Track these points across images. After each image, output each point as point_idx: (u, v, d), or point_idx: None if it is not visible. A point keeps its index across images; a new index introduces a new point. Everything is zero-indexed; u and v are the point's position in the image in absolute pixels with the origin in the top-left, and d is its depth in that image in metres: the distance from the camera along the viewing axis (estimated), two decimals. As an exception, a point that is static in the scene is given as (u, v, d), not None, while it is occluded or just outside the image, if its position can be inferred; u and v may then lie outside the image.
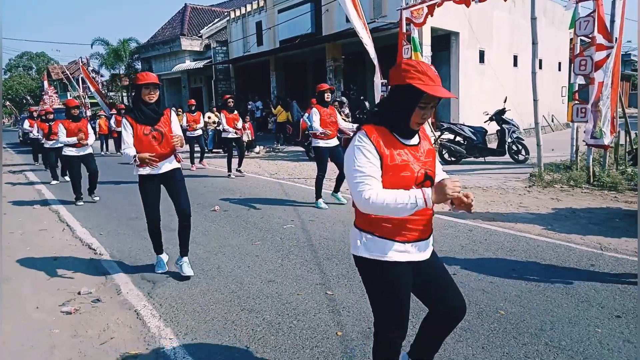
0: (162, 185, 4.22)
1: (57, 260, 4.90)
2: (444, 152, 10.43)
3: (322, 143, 6.58)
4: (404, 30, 12.19)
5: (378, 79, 13.05)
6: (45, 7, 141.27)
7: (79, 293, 3.99)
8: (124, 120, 3.92)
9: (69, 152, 7.59)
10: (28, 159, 16.08)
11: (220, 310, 3.46)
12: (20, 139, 26.09)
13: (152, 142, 3.97)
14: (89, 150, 7.82)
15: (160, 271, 4.31)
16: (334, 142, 6.66)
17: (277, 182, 9.21)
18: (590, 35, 7.21)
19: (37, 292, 4.06)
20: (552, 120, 21.54)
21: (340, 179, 6.89)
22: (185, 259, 4.25)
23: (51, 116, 10.33)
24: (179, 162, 4.22)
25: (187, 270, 4.16)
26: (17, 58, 60.16)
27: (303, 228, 5.58)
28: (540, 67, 20.85)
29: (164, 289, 3.92)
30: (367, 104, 14.38)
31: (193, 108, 11.85)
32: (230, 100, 10.08)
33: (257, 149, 15.29)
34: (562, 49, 22.42)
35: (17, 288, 4.18)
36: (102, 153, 16.60)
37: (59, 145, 9.82)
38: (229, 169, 10.12)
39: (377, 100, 13.45)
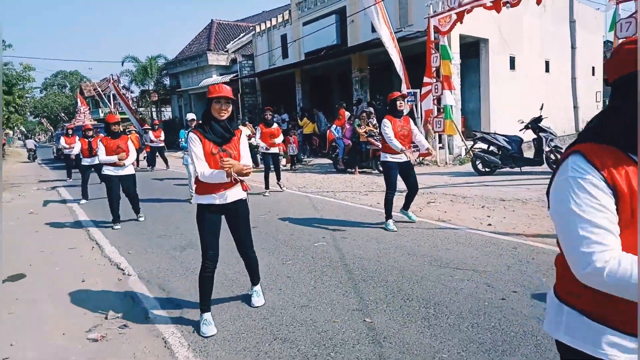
0: (222, 217, 3.59)
1: (86, 282, 4.79)
2: (477, 163, 10.05)
3: (390, 157, 5.86)
4: (432, 39, 11.94)
5: (404, 89, 12.80)
6: (79, 27, 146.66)
7: (106, 318, 3.85)
8: (191, 135, 3.38)
9: (107, 171, 7.04)
10: (62, 175, 16.39)
11: (251, 339, 3.25)
12: (55, 155, 26.79)
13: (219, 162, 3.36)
14: (130, 171, 7.26)
15: (207, 334, 3.35)
16: (404, 157, 5.85)
17: (306, 196, 9.02)
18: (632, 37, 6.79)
19: (63, 316, 3.95)
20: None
21: (410, 197, 6.15)
22: (257, 287, 3.91)
23: (90, 132, 10.37)
24: (245, 190, 3.55)
25: (257, 301, 3.83)
26: (52, 77, 62.35)
27: (335, 246, 5.34)
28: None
29: (193, 315, 3.73)
30: (395, 114, 14.07)
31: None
32: (269, 113, 9.31)
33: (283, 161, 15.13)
34: (595, 53, 21.67)
35: (46, 311, 4.08)
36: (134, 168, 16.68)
37: (96, 162, 9.93)
38: (267, 186, 9.50)
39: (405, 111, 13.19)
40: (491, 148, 9.95)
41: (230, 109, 3.35)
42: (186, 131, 8.64)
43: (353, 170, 12.05)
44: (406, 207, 6.30)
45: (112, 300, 4.25)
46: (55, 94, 58.79)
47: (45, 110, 53.85)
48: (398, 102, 5.76)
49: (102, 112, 39.91)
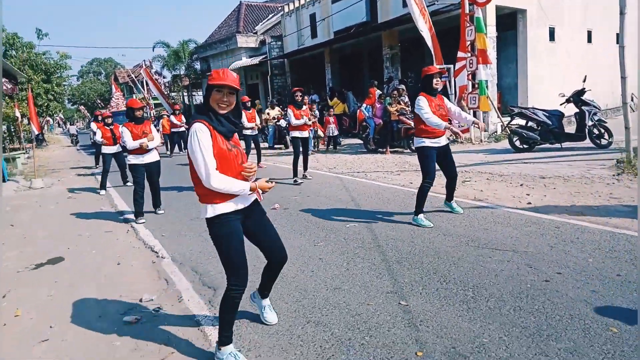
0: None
1: (121, 264, 4.86)
2: (515, 140, 9.65)
3: (428, 142, 5.14)
4: (467, 11, 11.44)
5: (436, 65, 12.39)
6: (112, 13, 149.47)
7: (140, 300, 3.88)
8: (198, 125, 2.56)
9: (133, 159, 6.63)
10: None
11: (284, 322, 3.19)
12: (92, 141, 27.55)
13: (236, 160, 2.69)
14: (155, 157, 6.79)
15: None
16: (443, 140, 5.24)
17: (337, 177, 8.90)
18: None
19: (100, 299, 4.00)
20: (632, 100, 19.68)
21: (451, 186, 5.53)
22: (267, 301, 3.27)
23: (109, 120, 9.97)
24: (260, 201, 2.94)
25: (271, 318, 3.19)
26: (88, 65, 64.00)
27: (368, 227, 5.22)
28: (617, 42, 19.06)
29: (225, 297, 3.71)
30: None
31: (248, 104, 10.79)
32: (299, 94, 8.62)
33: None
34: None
35: (83, 293, 4.15)
36: (168, 154, 16.87)
37: (118, 150, 9.71)
38: (295, 173, 8.70)
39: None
40: (530, 124, 9.52)
41: (233, 102, 2.64)
42: None
43: (384, 150, 11.83)
44: (449, 197, 5.63)
45: (147, 283, 4.29)
46: (91, 81, 60.30)
47: (82, 98, 55.36)
48: (434, 80, 5.06)
49: (135, 97, 40.68)
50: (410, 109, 12.91)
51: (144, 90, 36.70)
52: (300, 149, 8.67)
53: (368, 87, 14.86)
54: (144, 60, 31.04)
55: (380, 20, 16.88)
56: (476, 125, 5.38)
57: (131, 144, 6.58)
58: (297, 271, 4.11)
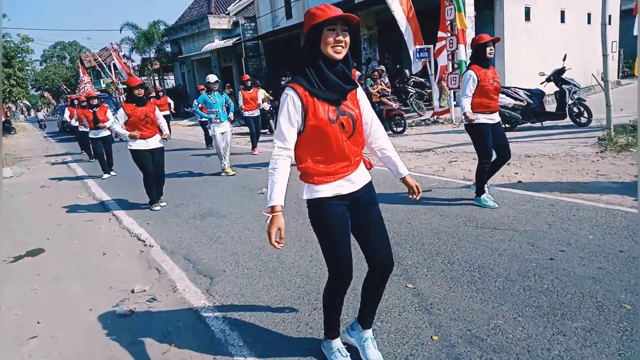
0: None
1: (107, 255, 4.65)
2: (497, 119, 9.68)
3: (483, 118, 4.67)
4: (446, -10, 11.35)
5: (412, 46, 12.29)
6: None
7: (132, 291, 3.70)
8: (289, 93, 2.04)
9: (136, 145, 5.95)
10: (68, 148, 16.21)
11: (289, 310, 3.08)
12: (59, 127, 26.58)
13: (342, 135, 2.10)
14: (160, 143, 6.22)
15: None
16: (496, 116, 4.78)
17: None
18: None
19: (88, 291, 3.81)
20: (602, 79, 20.13)
21: (497, 167, 4.95)
22: (369, 332, 2.51)
23: (95, 101, 9.48)
24: (369, 168, 2.38)
25: (374, 355, 2.42)
26: (51, 48, 61.25)
27: (362, 209, 5.13)
28: (589, 22, 19.38)
29: (224, 285, 3.58)
30: (407, 72, 13.63)
31: (249, 84, 10.09)
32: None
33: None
34: (610, 1, 20.71)
35: (68, 287, 3.94)
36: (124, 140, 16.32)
37: (105, 134, 9.40)
38: None
39: (414, 69, 12.75)
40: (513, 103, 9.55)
41: (349, 42, 2.02)
42: (209, 95, 7.83)
43: (366, 131, 11.70)
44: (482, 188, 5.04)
45: (137, 273, 4.11)
46: (55, 65, 57.88)
47: (46, 83, 53.17)
48: (488, 48, 4.53)
49: (103, 82, 39.32)
50: (390, 90, 12.85)
51: (112, 74, 35.53)
52: None
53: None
54: (111, 43, 29.85)
55: (357, 0, 16.62)
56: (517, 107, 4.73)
57: (116, 127, 5.88)
58: (295, 256, 3.99)
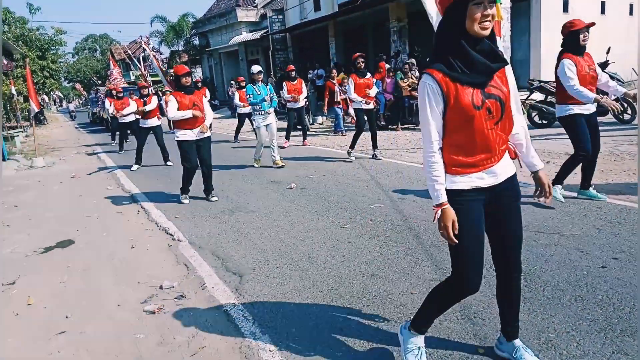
0: None
1: (135, 248, 4.60)
2: (534, 115, 9.34)
3: (577, 109, 4.39)
4: (482, -20, 10.94)
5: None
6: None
7: (160, 287, 3.63)
8: (425, 78, 1.84)
9: (182, 136, 5.83)
10: (99, 139, 16.47)
11: (322, 313, 2.94)
12: (90, 119, 27.09)
13: (488, 122, 1.85)
14: (208, 133, 6.05)
15: None
16: (592, 106, 4.45)
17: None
18: None
19: (117, 285, 3.76)
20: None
21: (590, 167, 4.66)
22: (518, 342, 2.26)
23: (145, 91, 9.60)
24: (514, 158, 2.11)
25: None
26: (83, 41, 62.57)
27: (395, 208, 4.95)
28: (631, 13, 18.54)
29: (253, 284, 3.46)
30: (438, 65, 13.24)
31: (293, 74, 9.84)
32: (360, 60, 7.55)
33: (320, 119, 14.59)
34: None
35: (98, 280, 3.90)
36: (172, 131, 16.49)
37: (156, 123, 9.29)
38: (352, 146, 7.96)
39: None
40: (550, 98, 9.18)
41: (495, 15, 1.77)
42: (254, 86, 7.66)
43: (395, 126, 11.49)
44: (586, 184, 4.73)
45: (165, 268, 4.04)
46: (87, 58, 59.12)
47: (78, 75, 54.35)
48: (582, 35, 4.21)
49: (132, 74, 39.93)
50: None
51: (141, 66, 36.03)
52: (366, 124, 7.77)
53: (376, 61, 14.40)
54: (141, 36, 30.20)
55: (388, -8, 16.28)
56: (629, 98, 4.58)
57: (175, 113, 5.72)
58: (326, 255, 3.84)
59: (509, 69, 1.99)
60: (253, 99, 7.72)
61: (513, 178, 2.02)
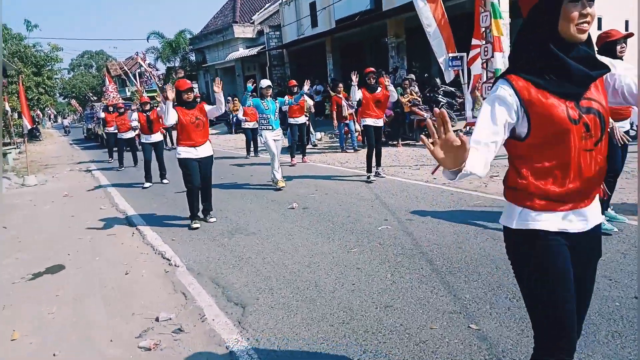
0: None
1: (130, 274, 4.33)
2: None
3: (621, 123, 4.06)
4: (481, -4, 10.91)
5: (442, 55, 11.81)
6: (103, 4, 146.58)
7: (157, 319, 3.36)
8: (502, 86, 1.54)
9: (184, 153, 5.56)
10: (93, 156, 16.22)
11: (334, 350, 2.69)
12: (85, 135, 26.84)
13: (585, 141, 1.52)
14: (209, 152, 5.76)
15: None
16: (625, 123, 4.22)
17: (352, 172, 8.38)
18: None
19: (110, 317, 3.48)
20: None
21: (610, 188, 4.17)
22: None
23: (148, 106, 9.32)
24: (603, 198, 1.82)
25: None
26: (79, 57, 62.58)
27: (404, 230, 4.71)
28: (627, 29, 18.64)
29: (257, 316, 3.20)
30: (437, 80, 13.18)
31: (295, 89, 9.44)
32: (372, 75, 7.20)
33: (318, 135, 14.39)
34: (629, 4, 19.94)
35: (89, 310, 3.63)
36: (167, 148, 16.29)
37: (158, 139, 9.09)
38: (369, 168, 7.36)
39: (447, 78, 12.30)
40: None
41: (595, 15, 1.49)
42: (262, 101, 7.24)
43: (396, 142, 11.31)
44: (607, 203, 4.29)
45: (161, 296, 3.77)
46: (82, 74, 59.08)
47: (73, 91, 54.21)
48: (619, 46, 3.92)
49: (128, 90, 39.83)
50: (421, 98, 12.41)
51: (137, 82, 35.91)
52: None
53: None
54: (137, 52, 30.18)
55: (385, 7, 16.30)
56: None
57: (172, 118, 5.48)
58: (335, 284, 3.60)
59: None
60: (259, 112, 7.41)
61: (598, 227, 1.65)
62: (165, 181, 9.05)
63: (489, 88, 10.96)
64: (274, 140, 7.27)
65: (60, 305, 3.77)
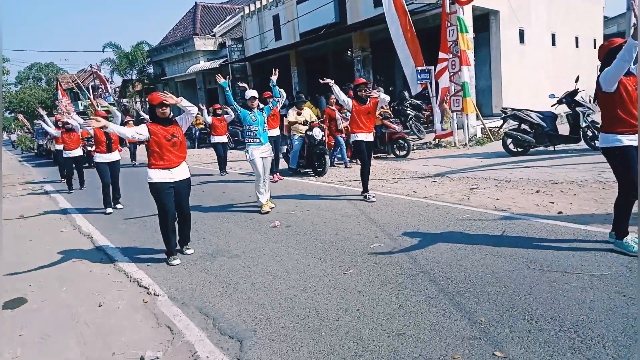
0: None
1: (104, 306, 3.92)
2: (509, 143, 9.30)
3: (626, 140, 3.77)
4: (447, 10, 11.07)
5: (409, 68, 11.90)
6: (52, 16, 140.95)
7: (141, 359, 3.00)
8: None
9: (156, 177, 4.75)
10: (46, 173, 15.32)
11: (353, 389, 2.43)
12: (35, 151, 25.45)
13: None
14: (186, 175, 5.00)
15: None
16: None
17: (331, 187, 8.17)
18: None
19: (85, 359, 3.08)
20: (591, 102, 20.25)
21: (626, 211, 3.91)
22: None
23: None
24: None
25: None
26: (27, 70, 59.81)
27: (398, 248, 4.51)
28: (577, 45, 19.55)
29: (258, 351, 2.90)
30: (406, 94, 13.25)
31: (269, 101, 8.42)
32: (364, 88, 6.76)
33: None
34: (596, 25, 21.10)
35: (60, 352, 3.21)
36: (133, 164, 15.60)
37: (115, 158, 7.95)
38: (366, 187, 6.87)
39: (414, 91, 12.37)
40: (523, 126, 9.19)
41: None
42: (250, 113, 6.62)
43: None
44: (623, 231, 3.96)
45: (144, 332, 3.40)
46: (31, 87, 56.36)
47: (21, 105, 51.53)
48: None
49: (81, 104, 38.25)
50: (391, 110, 12.40)
51: (90, 96, 34.51)
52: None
53: (344, 90, 14.22)
54: (91, 64, 28.96)
55: (350, 21, 16.36)
56: None
57: (115, 127, 4.83)
58: (337, 310, 3.34)
59: None
60: (245, 124, 6.75)
61: None
62: (119, 206, 8.09)
63: (457, 101, 11.10)
64: (262, 157, 6.67)
65: (25, 346, 3.33)
